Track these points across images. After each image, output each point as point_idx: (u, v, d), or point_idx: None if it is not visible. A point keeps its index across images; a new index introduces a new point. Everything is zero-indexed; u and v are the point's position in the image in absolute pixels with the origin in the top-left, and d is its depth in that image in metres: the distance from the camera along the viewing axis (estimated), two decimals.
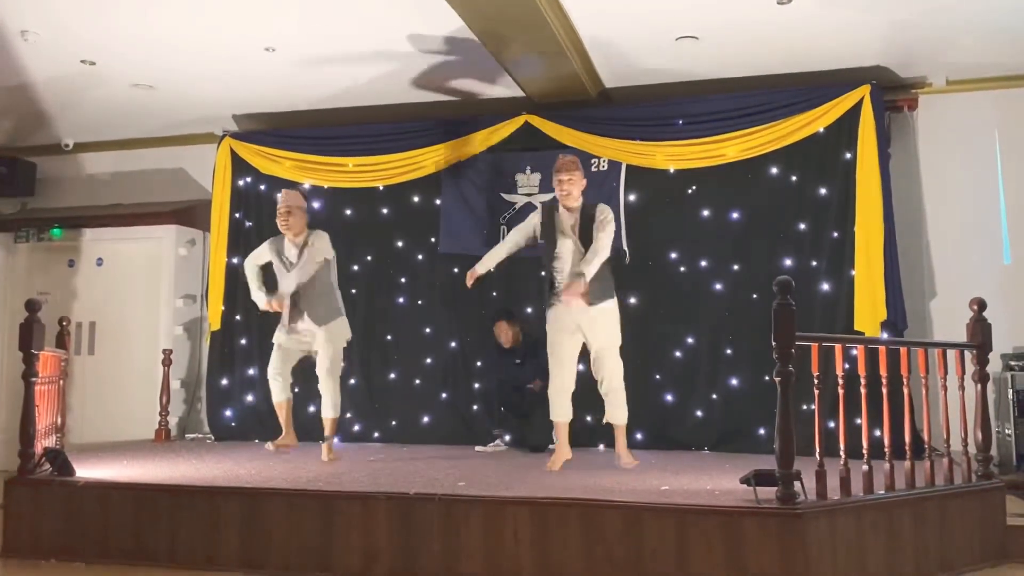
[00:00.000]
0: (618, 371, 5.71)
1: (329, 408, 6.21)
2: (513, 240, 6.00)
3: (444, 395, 7.69)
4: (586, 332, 5.68)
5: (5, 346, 8.50)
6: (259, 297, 6.28)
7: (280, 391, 6.26)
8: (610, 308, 5.71)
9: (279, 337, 6.25)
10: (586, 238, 5.66)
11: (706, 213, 7.24)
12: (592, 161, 7.46)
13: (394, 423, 7.71)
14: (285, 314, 6.16)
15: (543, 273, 5.94)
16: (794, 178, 7.08)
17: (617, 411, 5.73)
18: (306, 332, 6.21)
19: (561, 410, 5.72)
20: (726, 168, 7.17)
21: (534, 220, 5.94)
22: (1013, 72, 7.02)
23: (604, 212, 5.71)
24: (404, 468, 5.72)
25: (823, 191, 7.00)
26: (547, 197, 7.46)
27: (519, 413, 7.03)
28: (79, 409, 8.25)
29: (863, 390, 4.56)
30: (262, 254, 6.40)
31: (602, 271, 5.63)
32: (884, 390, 4.63)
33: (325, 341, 6.17)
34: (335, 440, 6.22)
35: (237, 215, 8.19)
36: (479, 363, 7.61)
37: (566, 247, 5.69)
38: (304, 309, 6.15)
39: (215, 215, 8.19)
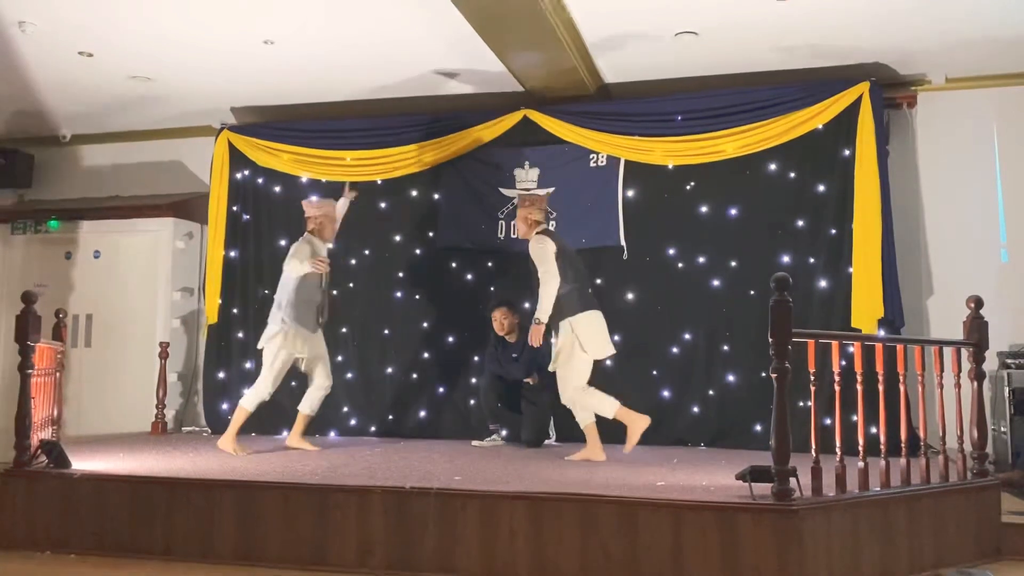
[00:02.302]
0: (570, 379, 5.95)
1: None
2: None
3: (441, 389, 7.70)
4: None
5: (2, 338, 8.49)
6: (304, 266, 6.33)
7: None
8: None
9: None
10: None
11: (704, 209, 7.24)
12: (591, 157, 7.46)
13: (391, 417, 7.70)
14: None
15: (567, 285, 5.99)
16: (792, 175, 7.08)
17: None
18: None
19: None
20: (725, 164, 7.16)
21: (551, 250, 6.00)
22: (1012, 70, 7.02)
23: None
24: (400, 462, 5.72)
25: (821, 188, 7.00)
26: (546, 192, 7.48)
27: (516, 408, 7.02)
28: (75, 401, 8.23)
29: (859, 387, 4.56)
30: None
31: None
32: (880, 387, 4.63)
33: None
34: (332, 435, 6.22)
35: (235, 208, 8.18)
36: (476, 358, 7.61)
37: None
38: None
39: (213, 208, 8.18)
